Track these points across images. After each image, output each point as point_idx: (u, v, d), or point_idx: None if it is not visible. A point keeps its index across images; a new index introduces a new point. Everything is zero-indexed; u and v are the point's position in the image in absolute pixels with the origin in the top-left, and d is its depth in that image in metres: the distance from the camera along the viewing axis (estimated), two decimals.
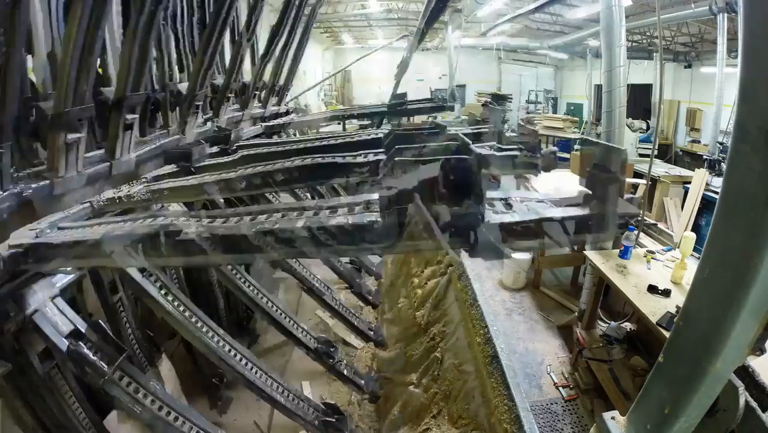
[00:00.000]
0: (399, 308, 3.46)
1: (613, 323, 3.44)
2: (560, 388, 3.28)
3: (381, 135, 1.83)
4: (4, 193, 1.31)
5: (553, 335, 3.97)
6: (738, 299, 0.65)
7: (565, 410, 3.10)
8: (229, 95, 3.02)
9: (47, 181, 1.47)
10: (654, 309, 2.54)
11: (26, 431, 1.38)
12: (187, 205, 2.04)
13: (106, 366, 1.38)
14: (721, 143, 6.96)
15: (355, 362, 3.18)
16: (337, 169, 1.48)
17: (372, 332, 3.43)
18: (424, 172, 1.09)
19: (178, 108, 2.49)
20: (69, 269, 1.42)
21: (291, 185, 1.67)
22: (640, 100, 10.79)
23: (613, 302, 3.79)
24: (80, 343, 1.35)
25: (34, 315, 1.27)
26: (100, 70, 1.98)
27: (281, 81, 4.04)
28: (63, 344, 1.32)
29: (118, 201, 1.72)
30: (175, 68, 2.67)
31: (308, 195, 4.04)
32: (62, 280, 1.41)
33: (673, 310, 2.45)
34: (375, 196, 1.18)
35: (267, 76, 3.68)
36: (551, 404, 3.15)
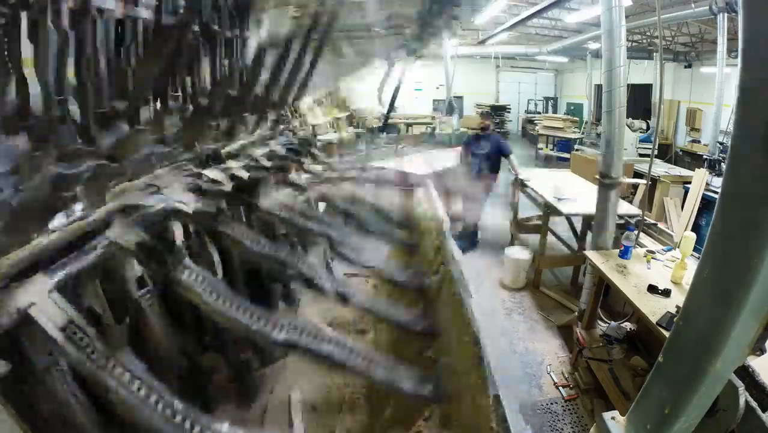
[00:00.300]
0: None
1: (613, 323, 3.44)
2: (560, 388, 3.28)
3: None
4: None
5: (553, 335, 3.98)
6: (738, 299, 0.65)
7: (565, 410, 3.11)
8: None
9: None
10: (654, 309, 2.54)
11: (25, 430, 1.38)
12: None
13: (102, 357, 1.37)
14: (721, 143, 6.97)
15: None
16: None
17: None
18: None
19: None
20: None
21: None
22: (640, 100, 10.79)
23: (613, 302, 3.79)
24: (74, 334, 1.34)
25: (29, 309, 1.25)
26: None
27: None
28: (59, 336, 1.30)
29: None
30: None
31: None
32: (59, 273, 1.40)
33: (673, 310, 2.45)
34: None
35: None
36: (551, 404, 3.15)
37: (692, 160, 9.85)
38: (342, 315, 3.59)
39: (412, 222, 2.54)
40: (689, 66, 11.33)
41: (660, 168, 7.37)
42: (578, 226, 4.89)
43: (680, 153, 10.92)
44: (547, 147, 12.97)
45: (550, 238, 4.95)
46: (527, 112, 17.60)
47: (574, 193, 4.63)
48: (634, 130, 9.40)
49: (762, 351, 1.38)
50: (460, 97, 16.22)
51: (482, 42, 12.73)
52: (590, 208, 3.66)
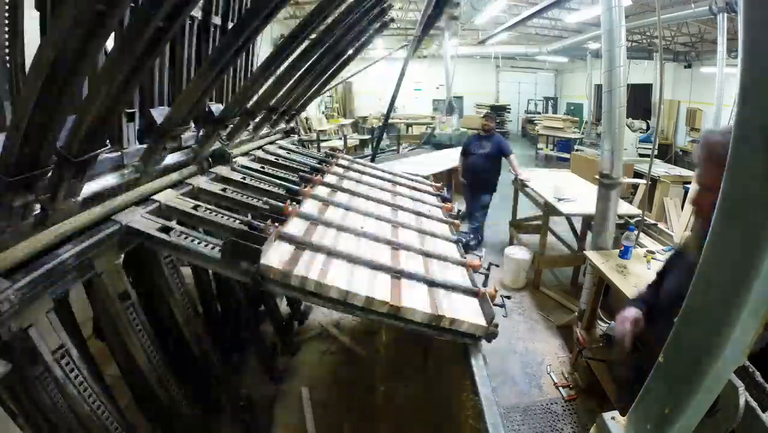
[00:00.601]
0: None
1: (613, 323, 3.43)
2: (560, 388, 3.28)
3: None
4: None
5: (553, 335, 3.97)
6: (738, 299, 0.65)
7: (565, 410, 3.10)
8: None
9: None
10: None
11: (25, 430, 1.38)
12: None
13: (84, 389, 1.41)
14: None
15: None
16: None
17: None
18: None
19: None
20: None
21: None
22: (640, 100, 10.79)
23: (613, 302, 3.78)
24: (62, 361, 1.36)
25: (29, 330, 1.26)
26: None
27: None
28: (52, 361, 1.32)
29: None
30: None
31: None
32: (56, 292, 1.40)
33: None
34: None
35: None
36: (551, 404, 3.15)
37: (692, 160, 9.82)
38: (347, 318, 3.60)
39: None
40: (689, 66, 11.33)
41: (660, 168, 7.37)
42: (578, 226, 4.89)
43: (680, 153, 10.92)
44: (547, 147, 12.97)
45: (550, 238, 4.95)
46: (527, 112, 17.60)
47: (574, 193, 4.63)
48: (634, 130, 9.40)
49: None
50: (460, 97, 16.19)
51: (482, 42, 12.73)
52: (590, 208, 3.66)
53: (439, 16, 6.71)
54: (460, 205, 4.28)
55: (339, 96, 15.77)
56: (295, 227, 1.95)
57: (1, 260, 1.22)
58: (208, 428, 2.21)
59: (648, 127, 10.12)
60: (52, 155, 1.19)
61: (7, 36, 1.67)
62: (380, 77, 11.59)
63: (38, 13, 1.63)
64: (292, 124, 3.97)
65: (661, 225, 4.36)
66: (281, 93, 2.42)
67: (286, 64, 1.92)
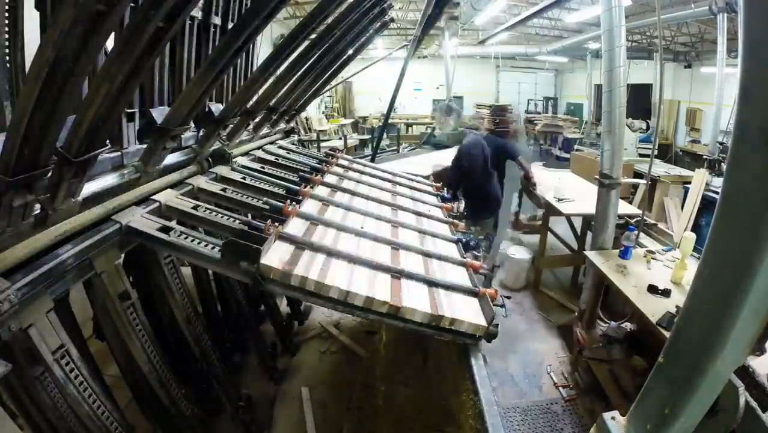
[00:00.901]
0: None
1: (613, 323, 3.44)
2: (560, 388, 3.28)
3: None
4: None
5: (553, 335, 3.97)
6: (738, 299, 0.65)
7: (565, 410, 3.10)
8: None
9: None
10: (654, 309, 2.54)
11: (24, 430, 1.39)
12: None
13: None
14: (721, 143, 6.96)
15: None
16: None
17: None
18: None
19: None
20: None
21: None
22: (640, 100, 10.79)
23: (613, 302, 3.79)
24: (62, 361, 1.36)
25: (29, 330, 1.26)
26: None
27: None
28: (52, 361, 1.32)
29: None
30: None
31: None
32: (56, 292, 1.40)
33: (673, 310, 2.44)
34: None
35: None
36: (551, 404, 3.15)
37: (692, 160, 9.84)
38: (347, 318, 3.61)
39: None
40: (689, 66, 11.33)
41: (660, 168, 7.35)
42: (578, 226, 4.89)
43: (680, 153, 10.92)
44: (546, 146, 12.99)
45: (550, 238, 4.95)
46: (527, 112, 17.58)
47: (574, 193, 4.63)
48: (634, 130, 9.38)
49: (762, 351, 1.38)
50: (460, 97, 16.19)
51: (482, 42, 12.72)
52: (590, 208, 3.66)
53: (439, 16, 6.71)
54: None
55: (339, 96, 15.77)
56: (295, 227, 1.95)
57: (1, 260, 1.22)
58: (208, 428, 2.21)
59: (648, 127, 10.11)
60: (52, 155, 1.19)
61: (7, 36, 1.68)
62: (380, 77, 11.60)
63: (38, 13, 1.63)
64: (292, 124, 3.99)
65: (661, 225, 4.36)
66: (281, 93, 2.43)
67: (286, 64, 1.93)
